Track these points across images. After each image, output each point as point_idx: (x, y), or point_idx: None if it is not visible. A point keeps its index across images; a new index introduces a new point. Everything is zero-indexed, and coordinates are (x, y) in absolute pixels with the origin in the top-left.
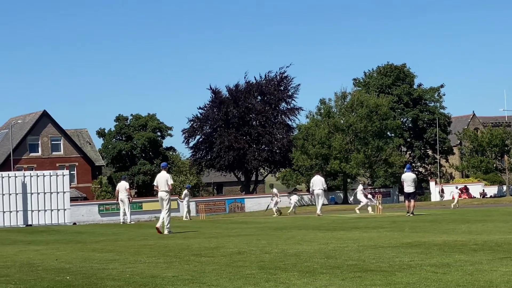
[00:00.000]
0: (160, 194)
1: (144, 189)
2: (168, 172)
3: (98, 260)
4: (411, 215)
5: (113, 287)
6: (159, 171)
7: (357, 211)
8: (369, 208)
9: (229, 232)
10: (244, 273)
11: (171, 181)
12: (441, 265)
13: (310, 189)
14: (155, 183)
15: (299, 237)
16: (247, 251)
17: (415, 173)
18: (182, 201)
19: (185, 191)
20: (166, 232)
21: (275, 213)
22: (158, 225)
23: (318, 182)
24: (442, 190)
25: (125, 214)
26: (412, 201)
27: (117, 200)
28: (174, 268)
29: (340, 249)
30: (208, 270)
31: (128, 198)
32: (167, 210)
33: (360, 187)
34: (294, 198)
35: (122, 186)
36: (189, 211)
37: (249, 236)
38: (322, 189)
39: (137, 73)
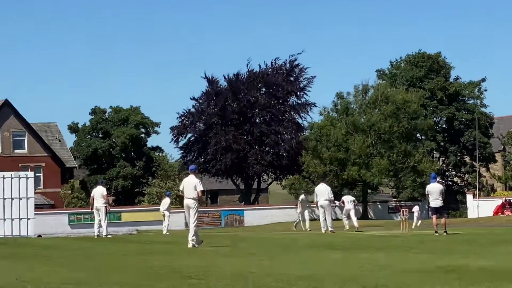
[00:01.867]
0: (186, 201)
1: (124, 197)
2: (197, 176)
3: (65, 280)
4: (445, 233)
5: None
6: (141, 176)
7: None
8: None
9: (225, 249)
10: None
11: (200, 187)
12: None
13: (314, 200)
14: (180, 188)
15: (308, 257)
16: (246, 273)
17: (445, 184)
18: (163, 212)
19: (166, 199)
20: (190, 245)
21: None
22: (190, 244)
23: (323, 192)
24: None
25: (100, 225)
26: (442, 217)
27: (92, 208)
28: None
29: (358, 273)
30: None
31: (106, 206)
32: (194, 221)
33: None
34: (416, 208)
35: (99, 192)
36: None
37: (249, 256)
38: (328, 200)
39: (118, 58)
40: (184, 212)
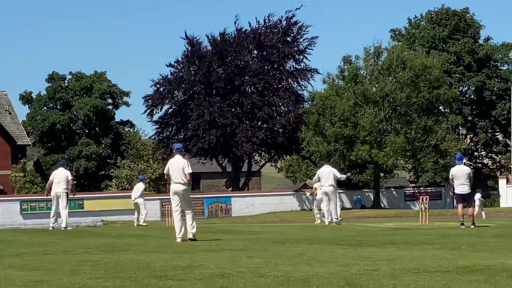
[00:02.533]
0: (174, 187)
1: (87, 181)
2: (184, 156)
3: (18, 281)
4: (472, 226)
5: None
6: (108, 156)
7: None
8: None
9: (209, 245)
10: None
11: (189, 169)
12: None
13: (314, 185)
14: (166, 171)
15: (308, 254)
16: (234, 274)
17: (473, 166)
18: (135, 200)
19: (140, 184)
20: (191, 235)
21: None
22: (179, 239)
23: (327, 175)
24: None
25: (58, 216)
26: (470, 207)
27: (48, 194)
28: None
29: (368, 273)
30: None
31: (67, 193)
32: (190, 210)
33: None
34: (478, 196)
35: (62, 176)
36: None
37: (237, 252)
38: (333, 185)
39: (79, 18)
40: (171, 199)
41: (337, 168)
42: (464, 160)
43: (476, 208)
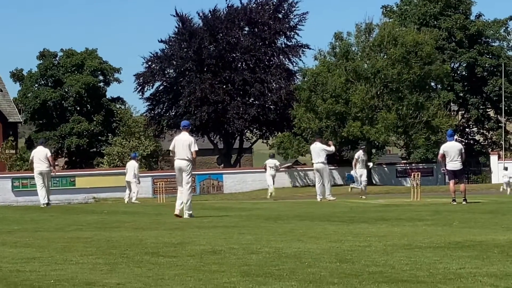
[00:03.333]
0: (178, 163)
1: (79, 158)
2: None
3: (10, 258)
4: (464, 202)
5: None
6: (100, 133)
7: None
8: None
9: (200, 221)
10: (221, 281)
11: (195, 147)
12: (503, 276)
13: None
14: (171, 148)
15: (300, 231)
16: (225, 250)
17: (464, 143)
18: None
19: (132, 162)
20: (186, 215)
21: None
22: (177, 210)
23: (317, 153)
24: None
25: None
26: (462, 183)
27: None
28: (120, 272)
29: (359, 249)
30: (169, 276)
31: (50, 170)
32: (189, 186)
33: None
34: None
35: (41, 154)
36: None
37: (229, 229)
38: (324, 162)
39: None
40: (175, 175)
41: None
42: (456, 136)
43: (504, 186)
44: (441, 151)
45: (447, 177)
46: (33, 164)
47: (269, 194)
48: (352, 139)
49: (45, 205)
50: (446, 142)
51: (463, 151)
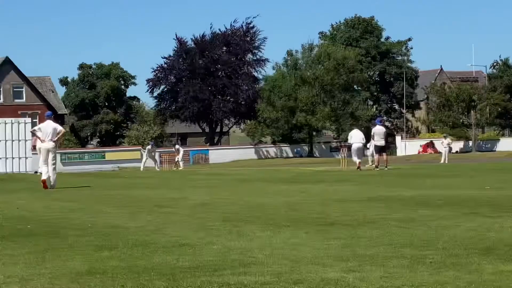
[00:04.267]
0: (46, 145)
1: (107, 139)
2: None
3: (59, 209)
4: (385, 169)
5: (75, 236)
6: (122, 121)
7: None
8: None
9: (193, 183)
10: (207, 225)
11: (61, 129)
12: (405, 220)
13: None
14: (39, 135)
15: (263, 189)
16: (211, 203)
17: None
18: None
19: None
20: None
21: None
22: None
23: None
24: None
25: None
26: (384, 154)
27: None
28: (137, 219)
29: (305, 202)
30: (171, 221)
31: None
32: (54, 166)
33: None
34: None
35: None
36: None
37: (213, 188)
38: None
39: (101, 21)
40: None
41: (283, 129)
42: (377, 121)
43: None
44: (372, 133)
45: (374, 151)
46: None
47: None
48: (299, 125)
49: (35, 173)
50: (376, 126)
51: (386, 133)
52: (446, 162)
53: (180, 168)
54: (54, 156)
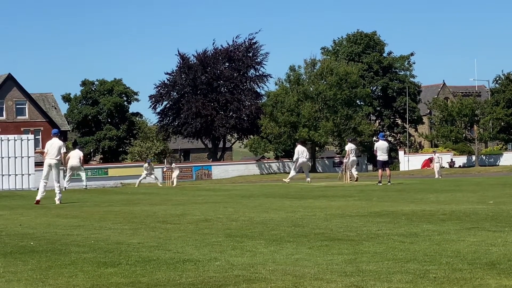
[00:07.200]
0: (49, 161)
1: (110, 155)
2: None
3: (62, 226)
4: (389, 183)
5: (78, 253)
6: (125, 137)
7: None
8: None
9: (196, 199)
10: (211, 241)
11: (63, 149)
12: (408, 235)
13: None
14: (45, 150)
15: (266, 205)
16: (214, 219)
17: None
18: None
19: (145, 165)
20: (58, 202)
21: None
22: (39, 197)
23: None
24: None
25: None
26: (387, 169)
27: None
28: (140, 235)
29: (308, 217)
30: (174, 237)
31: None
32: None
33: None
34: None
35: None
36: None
37: (216, 204)
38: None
39: (103, 38)
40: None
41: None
42: (380, 137)
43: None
44: (375, 147)
45: (378, 165)
46: (69, 159)
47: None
48: (302, 141)
49: (85, 188)
50: (378, 141)
51: (389, 148)
52: (441, 177)
53: (174, 186)
54: (57, 172)
